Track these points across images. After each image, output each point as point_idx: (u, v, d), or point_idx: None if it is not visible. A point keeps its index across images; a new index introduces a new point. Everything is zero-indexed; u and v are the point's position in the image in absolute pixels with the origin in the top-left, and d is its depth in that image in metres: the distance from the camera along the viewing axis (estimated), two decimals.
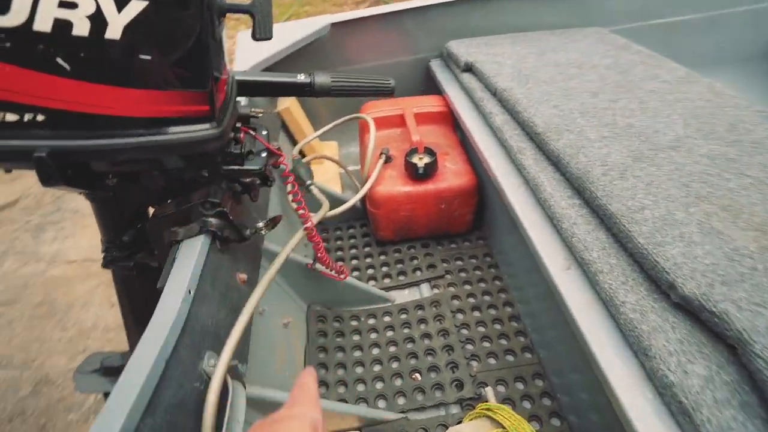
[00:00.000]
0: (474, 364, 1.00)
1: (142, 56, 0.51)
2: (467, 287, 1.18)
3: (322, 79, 0.82)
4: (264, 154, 0.73)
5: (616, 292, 0.65)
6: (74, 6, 0.46)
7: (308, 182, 1.14)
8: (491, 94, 1.17)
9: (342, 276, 1.00)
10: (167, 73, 0.53)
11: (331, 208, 1.06)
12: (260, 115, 0.81)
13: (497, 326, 1.07)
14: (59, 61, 0.48)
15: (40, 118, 0.51)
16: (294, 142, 1.46)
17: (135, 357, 0.53)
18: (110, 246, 0.79)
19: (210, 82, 0.56)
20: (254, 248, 0.89)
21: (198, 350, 0.62)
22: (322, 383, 0.99)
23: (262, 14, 0.59)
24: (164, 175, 0.67)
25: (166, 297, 0.62)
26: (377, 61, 1.51)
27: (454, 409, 0.93)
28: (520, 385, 0.95)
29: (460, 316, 1.10)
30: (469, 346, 1.03)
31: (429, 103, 1.39)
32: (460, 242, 1.30)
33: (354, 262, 1.28)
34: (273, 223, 0.81)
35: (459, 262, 1.24)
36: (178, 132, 0.57)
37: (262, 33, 0.60)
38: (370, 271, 1.25)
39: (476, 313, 1.11)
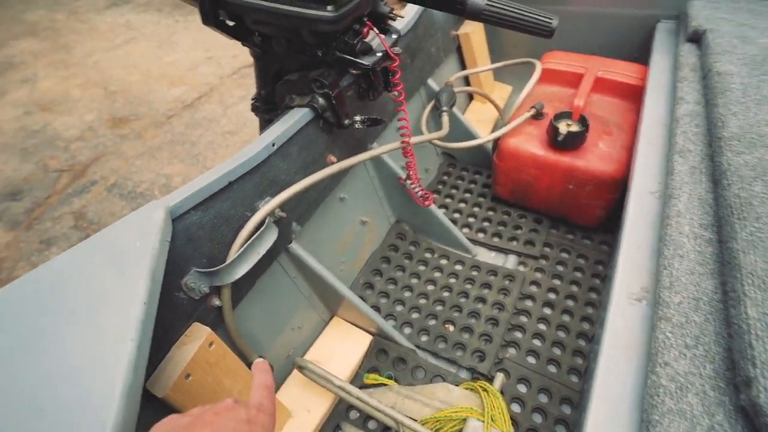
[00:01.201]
0: (511, 351, 0.93)
1: None
2: (555, 281, 1.05)
3: (478, 0, 0.76)
4: (379, 54, 0.76)
5: (667, 349, 0.50)
6: None
7: (443, 108, 1.13)
8: (702, 75, 0.89)
9: (426, 203, 1.01)
10: None
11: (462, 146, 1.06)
12: (399, 17, 0.82)
13: (560, 333, 0.95)
14: None
15: None
16: (463, 68, 1.42)
17: (214, 171, 0.69)
18: (257, 97, 0.98)
19: None
20: (355, 141, 0.97)
21: (261, 191, 0.75)
22: (369, 285, 1.08)
23: None
24: (289, 44, 0.77)
25: (256, 142, 0.75)
26: (592, 6, 1.28)
27: (462, 374, 0.91)
28: (543, 398, 0.86)
29: (527, 302, 1.01)
30: (517, 333, 0.95)
31: (623, 71, 1.14)
32: (578, 236, 1.13)
33: (461, 205, 1.26)
34: (371, 121, 0.86)
35: (563, 254, 1.10)
36: (300, 6, 0.65)
37: None
38: (470, 220, 1.21)
39: (546, 309, 1.00)
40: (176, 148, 2.39)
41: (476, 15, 0.77)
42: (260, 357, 0.50)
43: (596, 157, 0.99)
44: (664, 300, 0.55)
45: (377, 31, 0.77)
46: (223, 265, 0.67)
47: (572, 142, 0.99)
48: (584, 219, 1.10)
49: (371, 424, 0.84)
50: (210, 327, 0.66)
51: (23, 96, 2.91)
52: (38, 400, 0.40)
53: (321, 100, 0.82)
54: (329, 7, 0.65)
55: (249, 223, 0.71)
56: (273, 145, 0.76)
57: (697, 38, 0.99)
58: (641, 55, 1.24)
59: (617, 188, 0.98)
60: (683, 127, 0.78)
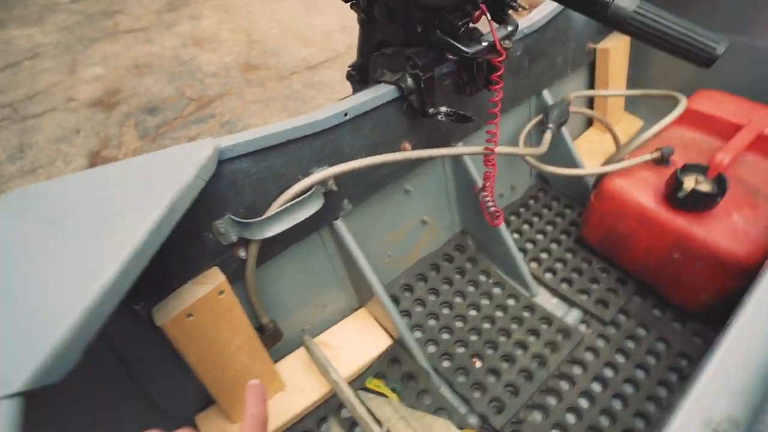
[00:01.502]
0: (536, 415, 0.80)
1: None
2: (619, 358, 0.87)
3: (624, 4, 0.63)
4: (485, 44, 0.67)
5: None
6: None
7: (549, 124, 0.99)
8: None
9: (495, 221, 0.90)
10: None
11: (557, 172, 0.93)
12: (522, 8, 0.71)
13: (602, 419, 0.79)
14: None
15: None
16: (591, 87, 1.24)
17: (276, 125, 0.67)
18: (353, 65, 0.95)
19: None
20: (439, 134, 0.89)
21: (319, 158, 0.72)
22: (408, 288, 1.01)
23: None
24: (391, 14, 0.71)
25: (329, 108, 0.72)
26: None
27: (471, 419, 0.80)
28: None
29: (576, 368, 0.86)
30: (551, 399, 0.82)
31: None
32: (667, 315, 0.93)
33: (538, 236, 1.11)
34: (458, 117, 0.78)
35: (640, 330, 0.91)
36: None
37: None
38: (542, 255, 1.07)
39: (596, 385, 0.84)
40: (289, 102, 2.52)
41: (619, 23, 0.63)
42: (255, 380, 0.45)
43: (724, 230, 0.79)
44: None
45: (490, 18, 0.67)
46: (258, 219, 0.65)
47: (696, 204, 0.80)
48: (682, 299, 0.90)
49: (357, 431, 0.78)
50: (229, 278, 0.66)
51: (186, 30, 3.31)
52: (12, 290, 0.41)
53: (410, 81, 0.75)
54: None
55: (297, 185, 0.68)
56: (345, 114, 0.72)
57: None
58: None
59: (741, 276, 0.77)
60: None
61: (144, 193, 0.50)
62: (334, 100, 2.52)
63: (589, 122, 1.33)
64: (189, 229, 0.61)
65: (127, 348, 0.64)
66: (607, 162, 1.18)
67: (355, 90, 0.97)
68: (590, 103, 1.28)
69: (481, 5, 0.66)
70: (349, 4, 0.80)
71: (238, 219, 0.65)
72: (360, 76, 0.94)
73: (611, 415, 0.78)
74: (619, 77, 1.22)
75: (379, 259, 0.97)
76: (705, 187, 0.80)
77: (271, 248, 0.73)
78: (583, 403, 0.81)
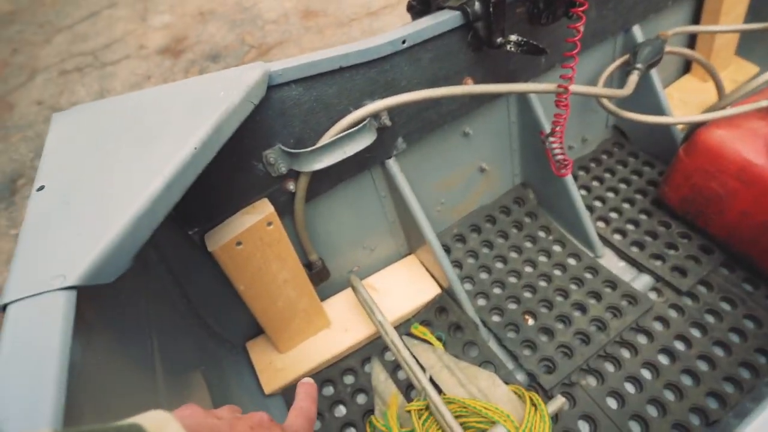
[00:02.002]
0: (590, 380, 0.75)
1: None
2: (694, 331, 0.78)
3: None
4: None
5: None
6: None
7: (639, 63, 0.86)
8: None
9: (562, 171, 0.81)
10: None
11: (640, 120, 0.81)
12: None
13: (667, 392, 0.72)
14: None
15: None
16: (695, 23, 1.06)
17: (328, 51, 0.63)
18: None
19: None
20: (506, 71, 0.80)
21: (373, 89, 0.67)
22: (460, 239, 0.96)
23: None
24: None
25: (385, 34, 0.66)
26: None
27: (519, 375, 0.77)
28: None
29: (641, 337, 0.78)
30: (608, 365, 0.76)
31: None
32: (761, 290, 0.81)
33: (609, 194, 1.00)
34: (530, 48, 0.69)
35: (724, 304, 0.80)
36: None
37: None
38: (612, 215, 0.96)
39: (662, 357, 0.76)
40: None
41: None
42: (309, 378, 0.44)
43: None
44: None
45: None
46: (308, 149, 0.63)
47: None
48: None
49: (400, 374, 0.78)
50: (278, 210, 0.65)
51: None
52: (71, 196, 0.43)
53: (477, 5, 0.67)
54: None
55: (349, 116, 0.65)
56: (403, 42, 0.66)
57: None
58: None
59: None
60: None
61: (192, 112, 0.49)
62: None
63: (687, 67, 1.15)
64: (239, 157, 0.60)
65: (183, 272, 0.67)
66: (706, 110, 1.02)
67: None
68: (691, 42, 1.10)
69: None
70: None
71: (288, 149, 0.63)
72: (421, 6, 0.86)
73: (678, 391, 0.71)
74: (736, 10, 1.02)
75: (433, 206, 0.92)
76: None
77: (321, 184, 0.72)
78: (646, 374, 0.74)
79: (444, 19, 0.68)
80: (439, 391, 0.70)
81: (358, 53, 0.62)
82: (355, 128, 0.65)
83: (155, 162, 0.43)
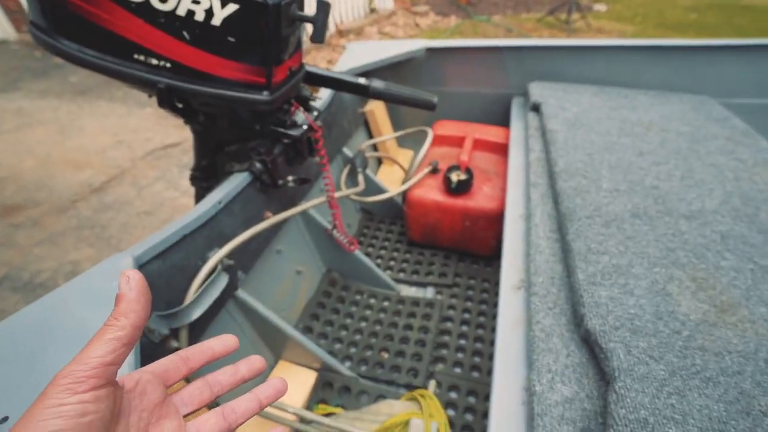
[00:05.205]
0: (439, 365, 1.08)
1: (230, 38, 0.76)
2: (468, 303, 1.25)
3: (377, 84, 1.02)
4: (305, 127, 0.96)
5: (537, 313, 0.70)
6: (198, 2, 0.73)
7: (358, 168, 1.35)
8: (541, 133, 1.23)
9: (352, 247, 1.18)
10: (244, 51, 0.78)
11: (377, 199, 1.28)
12: (318, 99, 1.04)
13: (477, 344, 1.13)
14: (185, 33, 0.76)
15: (167, 65, 0.80)
16: (371, 137, 1.69)
17: (171, 226, 0.78)
18: (196, 168, 1.10)
19: (270, 63, 0.80)
20: (287, 198, 1.12)
21: (211, 243, 0.85)
22: (308, 329, 1.18)
23: (319, 23, 0.81)
24: (232, 121, 0.93)
25: (204, 201, 0.87)
26: (464, 88, 1.66)
27: (401, 390, 1.03)
28: (471, 399, 1.01)
29: (447, 324, 1.18)
30: (443, 350, 1.11)
31: (493, 133, 1.49)
32: (481, 264, 1.37)
33: (382, 251, 1.44)
34: (302, 180, 1.03)
35: (471, 281, 1.32)
36: (241, 91, 0.82)
37: (317, 38, 0.83)
38: (391, 263, 1.40)
39: (464, 327, 1.18)
40: (83, 232, 2.29)
41: (377, 95, 1.02)
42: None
43: (483, 198, 1.27)
44: (532, 282, 0.77)
45: (302, 110, 0.97)
46: (182, 306, 0.75)
47: (463, 189, 1.26)
48: (482, 249, 1.35)
49: None
50: None
51: None
52: None
53: (258, 165, 0.97)
54: (265, 93, 0.83)
55: (203, 269, 0.80)
56: (220, 202, 0.88)
57: (536, 108, 1.37)
58: (504, 121, 1.63)
59: (501, 220, 1.25)
60: (533, 168, 1.08)
61: (102, 307, 0.57)
62: (139, 215, 2.41)
63: (379, 161, 1.78)
64: None
65: None
66: (403, 183, 1.62)
67: (202, 189, 1.12)
68: (374, 148, 1.74)
69: (294, 102, 0.95)
70: (183, 121, 0.97)
71: (163, 313, 0.72)
72: (205, 176, 1.09)
73: (481, 339, 1.13)
74: (386, 126, 1.71)
75: (277, 314, 1.10)
76: (463, 177, 1.27)
77: (195, 335, 0.81)
78: (462, 341, 1.13)
79: (240, 180, 0.95)
80: None
81: (194, 220, 0.80)
82: (211, 277, 0.81)
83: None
